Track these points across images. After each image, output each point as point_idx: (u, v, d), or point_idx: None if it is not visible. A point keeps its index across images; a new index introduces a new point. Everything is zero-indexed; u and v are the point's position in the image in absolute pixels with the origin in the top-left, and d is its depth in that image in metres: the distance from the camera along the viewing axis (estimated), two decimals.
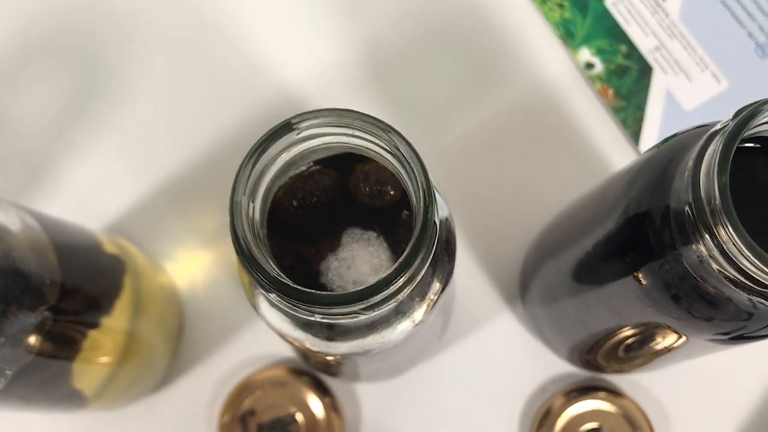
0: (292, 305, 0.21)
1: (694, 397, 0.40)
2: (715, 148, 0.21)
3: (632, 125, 0.42)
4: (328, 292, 0.20)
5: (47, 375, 0.29)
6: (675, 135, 0.26)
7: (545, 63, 0.44)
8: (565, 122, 0.43)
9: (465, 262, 0.42)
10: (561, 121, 0.43)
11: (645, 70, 0.43)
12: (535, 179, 0.43)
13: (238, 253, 0.20)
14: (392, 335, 0.25)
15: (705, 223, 0.22)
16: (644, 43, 0.44)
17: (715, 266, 0.22)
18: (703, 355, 0.33)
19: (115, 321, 0.34)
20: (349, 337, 0.25)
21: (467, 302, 0.41)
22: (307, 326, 0.24)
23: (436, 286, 0.26)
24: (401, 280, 0.20)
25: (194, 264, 0.42)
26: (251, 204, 0.22)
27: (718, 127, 0.22)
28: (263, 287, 0.20)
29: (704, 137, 0.22)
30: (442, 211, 0.26)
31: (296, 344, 0.26)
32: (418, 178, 0.21)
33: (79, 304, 0.30)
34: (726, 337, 0.25)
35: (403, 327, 0.26)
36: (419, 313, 0.26)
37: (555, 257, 0.35)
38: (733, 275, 0.22)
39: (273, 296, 0.21)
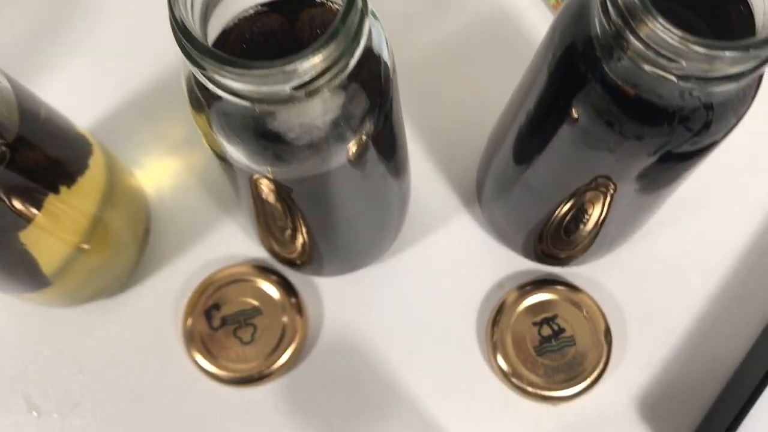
0: (231, 91, 0.22)
1: (646, 293, 0.41)
2: None
3: None
4: (256, 61, 0.21)
5: (2, 224, 0.30)
6: None
7: None
8: (521, 36, 0.45)
9: (424, 167, 0.43)
10: (517, 35, 0.45)
11: None
12: (492, 89, 0.44)
13: (177, 35, 0.22)
14: (330, 160, 0.27)
15: (622, 17, 0.23)
16: None
17: (642, 65, 0.23)
18: (638, 213, 0.34)
19: (79, 198, 0.35)
20: (291, 156, 0.26)
21: (426, 204, 0.42)
22: (257, 143, 0.26)
23: (368, 125, 0.27)
24: (322, 54, 0.21)
25: (162, 171, 0.43)
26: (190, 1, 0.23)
27: None
28: (196, 62, 0.22)
29: None
30: (380, 43, 0.27)
31: (246, 168, 0.27)
32: None
33: (36, 158, 0.31)
34: (656, 156, 0.27)
35: (340, 155, 0.27)
36: (353, 144, 0.27)
37: (501, 143, 0.36)
38: (655, 61, 0.23)
39: (207, 75, 0.22)
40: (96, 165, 0.36)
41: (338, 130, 0.26)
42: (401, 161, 0.34)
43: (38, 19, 0.45)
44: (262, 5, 0.28)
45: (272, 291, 0.40)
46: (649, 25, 0.22)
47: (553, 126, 0.30)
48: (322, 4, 0.28)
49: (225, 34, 0.28)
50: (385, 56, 0.28)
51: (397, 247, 0.42)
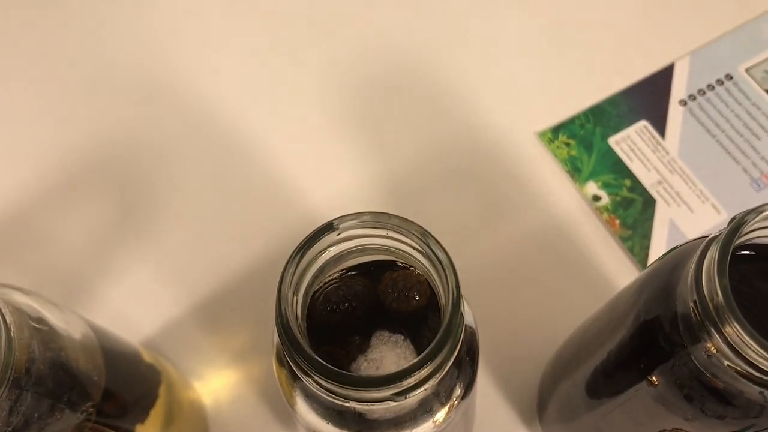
0: (330, 391, 0.23)
1: None
2: (713, 252, 0.24)
3: (639, 253, 0.45)
4: (363, 376, 0.22)
5: None
6: (674, 248, 0.29)
7: (555, 195, 0.47)
8: (576, 250, 0.46)
9: (483, 383, 0.43)
10: (571, 248, 0.46)
11: (649, 202, 0.46)
12: (548, 303, 0.45)
13: (284, 342, 0.22)
14: (415, 430, 0.27)
15: (710, 319, 0.23)
16: (647, 178, 0.47)
17: (724, 361, 0.24)
18: None
19: (147, 429, 0.35)
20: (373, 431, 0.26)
21: (486, 423, 0.42)
22: (339, 420, 0.26)
23: (458, 390, 0.28)
24: (429, 367, 0.22)
25: (220, 382, 0.44)
26: (295, 297, 0.24)
27: (715, 234, 0.25)
28: (305, 372, 0.22)
29: (703, 244, 0.25)
30: (467, 317, 0.28)
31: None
32: (449, 278, 0.23)
33: (118, 408, 0.31)
34: None
35: (426, 426, 0.27)
36: (441, 414, 0.27)
37: (571, 372, 0.36)
38: (741, 367, 0.23)
39: (311, 381, 0.23)
40: (162, 392, 0.37)
41: (427, 404, 0.27)
42: (473, 411, 0.34)
43: (105, 222, 0.47)
44: (348, 269, 0.29)
45: None
46: (736, 333, 0.23)
47: (631, 381, 0.30)
48: (404, 267, 0.29)
49: (312, 297, 0.29)
50: (470, 321, 0.28)
51: None
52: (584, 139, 0.48)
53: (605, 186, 0.47)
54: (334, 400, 0.23)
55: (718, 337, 0.23)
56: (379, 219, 0.24)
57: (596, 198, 0.47)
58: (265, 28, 0.54)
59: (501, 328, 0.44)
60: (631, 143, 0.48)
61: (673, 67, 0.50)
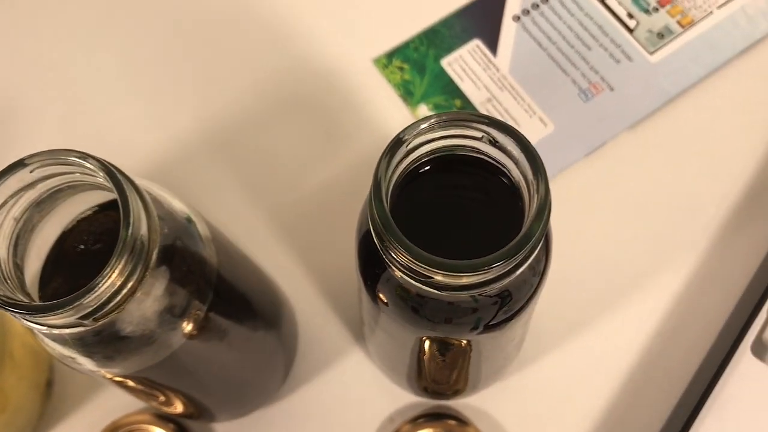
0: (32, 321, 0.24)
1: (535, 421, 0.42)
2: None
3: None
4: (40, 303, 0.23)
5: None
6: None
7: (388, 120, 0.48)
8: None
9: (316, 304, 0.45)
10: None
11: None
12: None
13: None
14: (165, 347, 0.28)
15: (381, 241, 0.25)
16: (477, 96, 0.48)
17: (398, 274, 0.25)
18: (504, 350, 0.35)
19: None
20: (125, 356, 0.28)
21: (318, 341, 0.44)
22: (83, 348, 0.27)
23: (196, 302, 0.29)
24: (113, 274, 0.23)
25: None
26: None
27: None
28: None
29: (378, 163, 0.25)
30: (194, 240, 0.29)
31: (75, 366, 0.29)
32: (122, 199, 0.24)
33: None
34: (477, 331, 0.28)
35: (177, 338, 0.29)
36: (185, 326, 0.29)
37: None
38: (416, 281, 0.25)
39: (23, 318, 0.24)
40: None
41: (165, 321, 0.28)
42: (263, 315, 0.36)
43: None
44: (99, 205, 0.30)
45: None
46: (394, 248, 0.24)
47: (372, 299, 0.30)
48: None
49: (64, 236, 0.30)
50: (201, 248, 0.30)
51: (292, 385, 0.43)
52: (417, 62, 0.49)
53: (436, 107, 0.48)
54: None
55: (386, 254, 0.25)
56: (66, 157, 0.25)
57: None
58: None
59: (336, 250, 0.46)
60: (463, 63, 0.49)
61: None
